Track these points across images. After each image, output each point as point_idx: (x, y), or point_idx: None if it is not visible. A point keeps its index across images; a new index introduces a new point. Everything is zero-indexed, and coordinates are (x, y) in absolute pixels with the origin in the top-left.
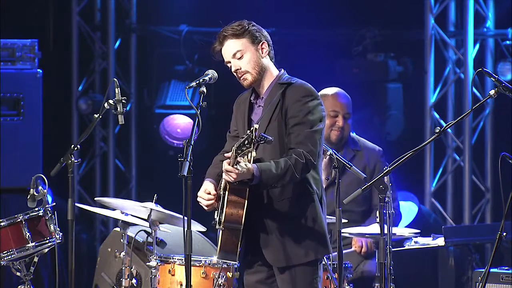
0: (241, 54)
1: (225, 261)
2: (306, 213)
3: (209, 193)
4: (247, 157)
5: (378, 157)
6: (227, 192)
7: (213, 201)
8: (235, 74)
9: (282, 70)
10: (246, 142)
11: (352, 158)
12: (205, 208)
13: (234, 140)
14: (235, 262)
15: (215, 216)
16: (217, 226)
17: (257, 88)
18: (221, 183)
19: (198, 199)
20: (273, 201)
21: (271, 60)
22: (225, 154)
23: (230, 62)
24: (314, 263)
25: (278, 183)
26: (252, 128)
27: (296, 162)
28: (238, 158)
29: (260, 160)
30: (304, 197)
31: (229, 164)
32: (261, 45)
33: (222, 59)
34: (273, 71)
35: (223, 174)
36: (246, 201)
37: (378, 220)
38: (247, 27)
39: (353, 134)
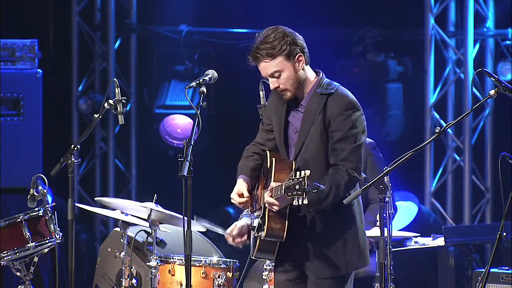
0: (279, 74)
1: (261, 259)
2: (346, 225)
3: (242, 195)
4: (297, 201)
5: (369, 149)
6: (267, 207)
7: (246, 203)
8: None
9: (321, 74)
10: (298, 187)
11: None
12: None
13: (267, 133)
14: (272, 259)
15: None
16: (256, 234)
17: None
18: (262, 193)
19: (232, 200)
20: (311, 215)
21: (307, 64)
22: (270, 186)
23: (267, 78)
24: (349, 274)
25: (320, 206)
26: (304, 175)
27: (339, 182)
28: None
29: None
30: (344, 209)
31: (271, 197)
32: (297, 58)
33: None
34: (311, 77)
35: (266, 204)
36: (287, 216)
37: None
38: (280, 46)
39: None
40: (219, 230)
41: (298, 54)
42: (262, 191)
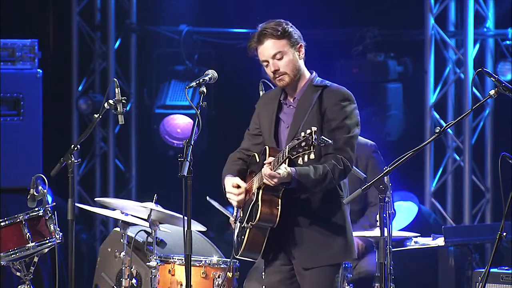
0: (281, 56)
1: (245, 259)
2: (335, 216)
3: (239, 186)
4: (303, 159)
5: (370, 152)
6: (261, 191)
7: (243, 195)
8: (271, 73)
9: (314, 73)
10: (304, 144)
11: None
12: (235, 204)
13: (253, 138)
14: (255, 260)
15: (235, 213)
16: (245, 225)
17: (288, 89)
18: (252, 181)
19: (228, 195)
20: (303, 202)
21: (303, 59)
22: (267, 161)
23: (267, 62)
24: (338, 265)
25: (315, 189)
26: (311, 131)
27: (334, 168)
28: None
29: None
30: (333, 200)
31: (271, 169)
32: (299, 47)
33: (255, 55)
34: (306, 73)
35: (263, 178)
36: (280, 201)
37: (376, 223)
38: (287, 28)
39: None
40: (227, 213)
41: (300, 44)
42: (254, 179)
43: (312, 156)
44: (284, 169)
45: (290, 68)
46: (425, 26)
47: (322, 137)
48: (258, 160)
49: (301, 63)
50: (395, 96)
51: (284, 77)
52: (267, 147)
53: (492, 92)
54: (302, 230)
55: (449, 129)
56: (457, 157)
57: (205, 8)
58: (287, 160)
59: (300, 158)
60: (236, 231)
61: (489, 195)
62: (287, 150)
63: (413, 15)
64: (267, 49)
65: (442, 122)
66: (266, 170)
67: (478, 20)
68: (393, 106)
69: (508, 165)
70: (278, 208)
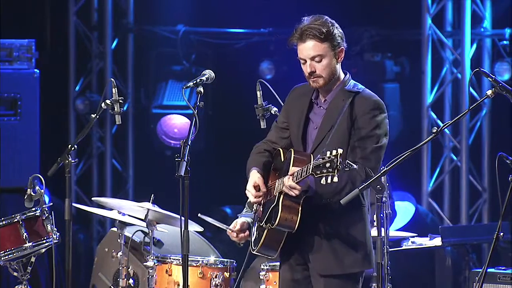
0: (320, 59)
1: (263, 255)
2: (356, 225)
3: (259, 189)
4: (326, 180)
5: None
6: (282, 196)
7: (261, 198)
8: (307, 73)
9: (348, 75)
10: (329, 165)
11: None
12: (251, 201)
13: (281, 131)
14: (273, 258)
15: (255, 208)
16: (264, 225)
17: (321, 89)
18: (274, 182)
19: (246, 192)
20: (323, 210)
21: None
22: (290, 171)
23: (305, 60)
24: (357, 275)
25: (334, 198)
26: (337, 153)
27: (356, 179)
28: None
29: None
30: (355, 208)
31: (293, 181)
32: (339, 51)
33: (294, 48)
34: (341, 75)
35: (284, 187)
36: (300, 208)
37: (374, 222)
38: (332, 30)
39: None
40: (222, 226)
41: (341, 48)
42: (276, 181)
43: (335, 179)
44: (305, 180)
45: (327, 72)
46: (422, 26)
47: (348, 161)
48: (283, 158)
49: (338, 66)
50: (392, 96)
51: (319, 80)
52: (292, 151)
53: (489, 92)
54: (321, 236)
55: (446, 129)
56: (454, 157)
57: (202, 8)
58: (329, 179)
59: (323, 179)
60: (254, 227)
61: (486, 195)
62: (311, 168)
63: (410, 15)
64: (308, 49)
65: (439, 122)
66: (288, 181)
67: (475, 20)
68: (390, 106)
69: (505, 165)
70: (298, 215)
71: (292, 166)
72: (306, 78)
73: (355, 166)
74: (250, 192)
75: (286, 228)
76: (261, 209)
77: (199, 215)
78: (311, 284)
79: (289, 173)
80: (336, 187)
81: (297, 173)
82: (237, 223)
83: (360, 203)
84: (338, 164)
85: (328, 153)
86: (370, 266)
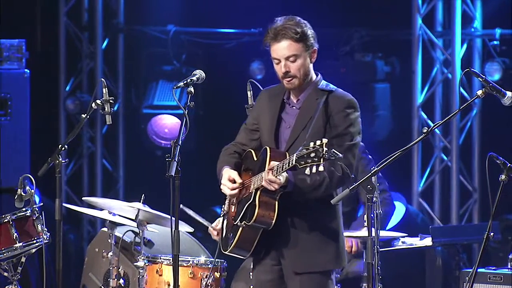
0: (294, 59)
1: (235, 255)
2: (330, 222)
3: (234, 181)
4: (310, 169)
5: (360, 152)
6: (259, 193)
7: (237, 191)
8: (281, 73)
9: (319, 75)
10: (314, 155)
11: None
12: (228, 196)
13: (251, 133)
14: (244, 258)
15: (226, 207)
16: (238, 223)
17: (294, 90)
18: (250, 180)
19: (222, 186)
20: (299, 207)
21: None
22: (269, 166)
23: (279, 60)
24: (331, 272)
25: (311, 194)
26: (321, 142)
27: (333, 175)
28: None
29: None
30: (329, 207)
31: (273, 175)
32: (313, 51)
33: (267, 48)
34: (313, 76)
35: (263, 182)
36: (277, 203)
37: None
38: (306, 31)
39: None
40: (204, 222)
41: (314, 48)
42: (252, 178)
43: (321, 168)
44: (284, 175)
45: (301, 72)
46: (413, 26)
47: (333, 150)
48: (255, 158)
49: (311, 66)
50: (382, 96)
51: (294, 81)
52: (268, 148)
53: (479, 92)
54: (295, 233)
55: (436, 129)
56: (445, 157)
57: (192, 8)
58: (313, 169)
59: (308, 169)
60: (225, 226)
61: (477, 195)
62: (294, 159)
63: (400, 15)
64: (282, 49)
65: (429, 122)
66: (268, 175)
67: (466, 20)
68: (381, 106)
69: (496, 165)
70: (275, 211)
71: (269, 160)
72: (280, 78)
73: (340, 155)
74: (226, 186)
75: (263, 224)
76: (235, 208)
77: (181, 206)
78: (285, 284)
79: (268, 167)
80: (314, 182)
81: (277, 167)
82: (219, 222)
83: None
84: (324, 153)
85: (312, 143)
86: (343, 263)
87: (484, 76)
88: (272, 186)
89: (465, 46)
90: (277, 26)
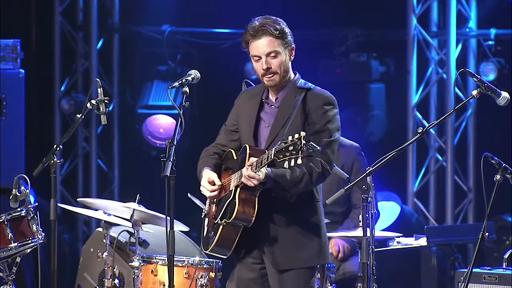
0: (275, 55)
1: (215, 255)
2: (310, 218)
3: (213, 184)
4: (289, 163)
5: (355, 154)
6: (238, 190)
7: (217, 192)
8: (262, 70)
9: (298, 74)
10: (292, 148)
11: None
12: (208, 198)
13: (230, 134)
14: (225, 257)
15: (206, 208)
16: (219, 221)
17: (272, 88)
18: (229, 179)
19: (201, 188)
20: (279, 203)
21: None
22: (248, 162)
23: (259, 57)
24: (314, 269)
25: (291, 190)
26: (300, 136)
27: (312, 171)
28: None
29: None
30: (309, 203)
31: (252, 171)
32: (291, 49)
33: (246, 47)
34: (291, 74)
35: (243, 178)
36: (257, 200)
37: (359, 222)
38: (284, 28)
39: None
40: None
41: (292, 46)
42: (231, 176)
43: (299, 161)
44: (263, 171)
45: (281, 69)
46: (408, 27)
47: (311, 143)
48: (235, 157)
49: (290, 64)
50: (377, 96)
51: (275, 77)
52: (247, 146)
53: (474, 92)
54: (277, 230)
55: (431, 129)
56: (440, 157)
57: (187, 8)
58: (292, 162)
59: (286, 162)
60: (205, 226)
61: (472, 195)
62: (273, 153)
63: (395, 15)
64: (263, 46)
65: (424, 122)
66: (247, 171)
67: (461, 20)
68: (376, 106)
69: (491, 165)
70: (254, 208)
71: (248, 158)
72: (261, 76)
73: (318, 148)
74: (205, 188)
75: (243, 221)
76: (215, 208)
77: (188, 194)
78: (268, 282)
79: (247, 164)
80: (294, 178)
81: (256, 162)
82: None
83: (313, 197)
84: (302, 145)
85: (290, 137)
86: (325, 259)
87: (479, 76)
88: (251, 182)
89: (460, 46)
90: (256, 25)
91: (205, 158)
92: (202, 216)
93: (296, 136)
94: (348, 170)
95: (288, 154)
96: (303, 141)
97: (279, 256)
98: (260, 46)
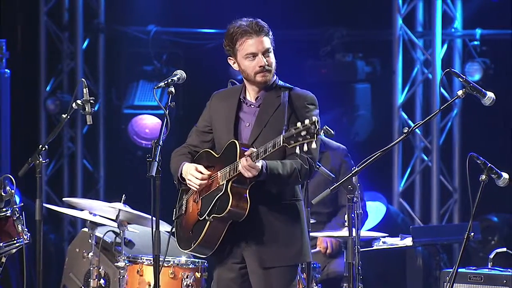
0: (269, 53)
1: (196, 254)
2: (293, 218)
3: (201, 172)
4: (301, 148)
5: (342, 156)
6: (230, 183)
7: (205, 181)
8: (257, 67)
9: (275, 75)
10: (305, 133)
11: (319, 160)
12: (195, 188)
13: (202, 136)
14: (205, 256)
15: (177, 211)
16: (206, 217)
17: (251, 88)
18: (216, 175)
19: (190, 177)
20: (263, 202)
21: None
22: (249, 151)
23: (255, 54)
24: (296, 267)
25: (281, 184)
26: (312, 121)
27: (301, 167)
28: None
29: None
30: (292, 202)
31: (252, 161)
32: (273, 48)
33: (231, 47)
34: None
35: (241, 169)
36: (248, 194)
37: (345, 222)
38: (270, 31)
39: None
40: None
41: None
42: (218, 172)
43: (313, 145)
44: (260, 162)
45: (274, 66)
46: (393, 27)
47: (326, 126)
48: (216, 155)
49: None
50: (363, 96)
51: (269, 74)
52: (236, 142)
53: (460, 92)
54: (261, 227)
55: (417, 129)
56: (425, 157)
57: (173, 8)
58: (305, 147)
59: (298, 147)
60: (180, 228)
61: (457, 195)
62: (281, 139)
63: (381, 15)
64: (261, 43)
65: (410, 122)
66: (245, 161)
67: (446, 20)
68: (361, 106)
69: (476, 165)
70: (247, 202)
71: (239, 153)
72: (253, 74)
73: (333, 132)
74: (194, 176)
75: (236, 216)
76: (198, 205)
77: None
78: (248, 281)
79: (246, 153)
80: (286, 172)
81: (258, 151)
82: None
83: (295, 196)
84: (318, 129)
85: (299, 123)
86: (308, 258)
87: (464, 77)
88: (250, 172)
89: (445, 46)
90: (251, 23)
91: (177, 157)
92: (174, 218)
93: (307, 121)
94: (336, 172)
95: (301, 139)
96: (317, 126)
97: (264, 254)
98: (258, 43)
